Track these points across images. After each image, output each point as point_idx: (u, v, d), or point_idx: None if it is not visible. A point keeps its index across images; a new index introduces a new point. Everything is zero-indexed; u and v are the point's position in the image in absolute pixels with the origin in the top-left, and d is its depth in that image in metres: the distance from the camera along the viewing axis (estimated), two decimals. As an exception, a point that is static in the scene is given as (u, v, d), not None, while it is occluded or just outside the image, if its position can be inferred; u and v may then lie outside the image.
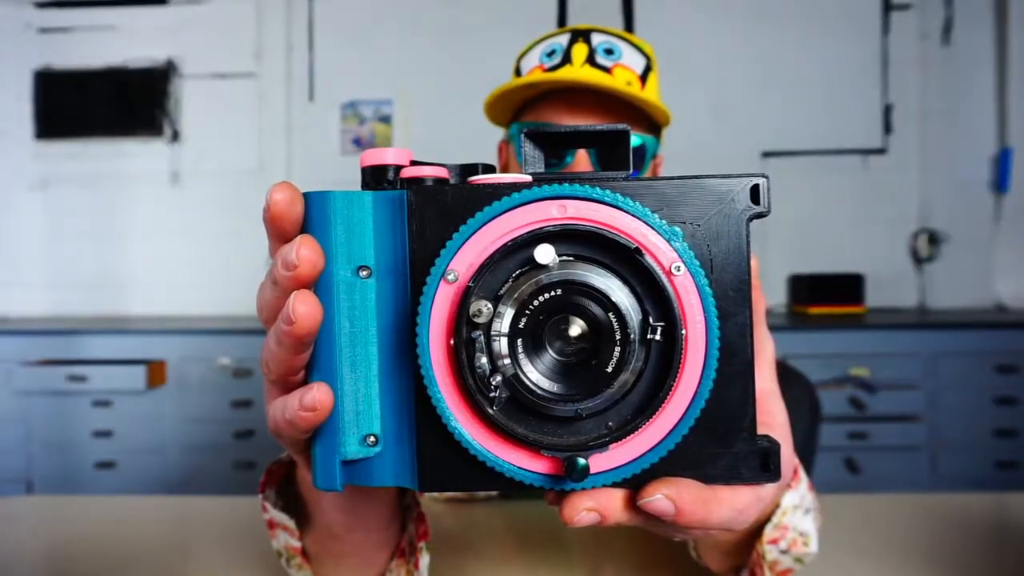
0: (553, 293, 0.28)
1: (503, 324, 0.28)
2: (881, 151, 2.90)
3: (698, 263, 0.29)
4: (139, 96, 2.98)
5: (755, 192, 0.30)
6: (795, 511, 0.54)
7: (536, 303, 0.28)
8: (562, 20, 2.88)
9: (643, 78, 0.82)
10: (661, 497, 0.30)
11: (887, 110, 2.90)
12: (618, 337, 0.28)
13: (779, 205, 2.90)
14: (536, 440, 0.29)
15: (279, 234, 0.32)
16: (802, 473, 0.55)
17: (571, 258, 0.28)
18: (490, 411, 0.28)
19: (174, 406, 2.45)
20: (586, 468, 0.28)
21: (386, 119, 2.97)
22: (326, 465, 0.32)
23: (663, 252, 0.29)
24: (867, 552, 0.73)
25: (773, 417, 0.42)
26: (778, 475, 0.31)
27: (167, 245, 3.01)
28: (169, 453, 2.45)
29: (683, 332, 0.28)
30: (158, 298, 2.99)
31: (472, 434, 0.30)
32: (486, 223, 0.29)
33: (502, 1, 2.86)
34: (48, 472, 2.47)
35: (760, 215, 0.30)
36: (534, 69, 0.83)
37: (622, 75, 0.80)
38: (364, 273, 0.31)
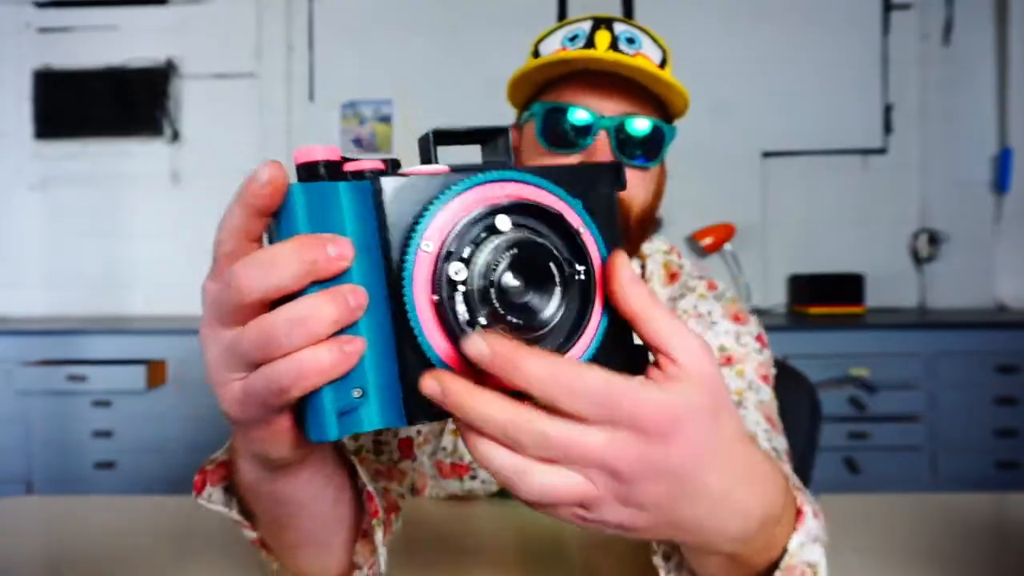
0: (513, 251, 0.36)
1: (474, 280, 0.35)
2: (881, 151, 2.90)
3: (594, 226, 0.39)
4: (139, 96, 2.98)
5: (619, 174, 0.41)
6: (802, 548, 0.50)
7: (500, 261, 0.35)
8: (562, 20, 2.89)
9: (660, 68, 0.84)
10: (478, 339, 0.33)
11: (887, 110, 2.90)
12: (558, 281, 0.37)
13: (779, 205, 2.92)
14: None
15: (261, 211, 0.36)
16: (806, 508, 0.51)
17: (517, 225, 0.37)
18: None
19: (174, 406, 2.45)
20: None
21: (386, 119, 2.97)
22: (322, 417, 0.35)
23: (574, 218, 0.39)
24: (867, 552, 0.73)
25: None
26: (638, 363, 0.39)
27: (167, 245, 3.01)
28: (169, 453, 2.45)
29: (595, 273, 0.39)
30: (158, 298, 2.99)
31: (450, 363, 0.36)
32: (448, 203, 0.36)
33: (502, 1, 2.86)
34: (48, 472, 2.47)
35: (620, 189, 0.42)
36: (557, 52, 0.84)
37: (643, 63, 0.82)
38: None
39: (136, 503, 0.99)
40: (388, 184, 0.36)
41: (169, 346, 2.47)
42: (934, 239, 2.87)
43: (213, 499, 0.55)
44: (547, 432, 0.34)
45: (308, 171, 0.37)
